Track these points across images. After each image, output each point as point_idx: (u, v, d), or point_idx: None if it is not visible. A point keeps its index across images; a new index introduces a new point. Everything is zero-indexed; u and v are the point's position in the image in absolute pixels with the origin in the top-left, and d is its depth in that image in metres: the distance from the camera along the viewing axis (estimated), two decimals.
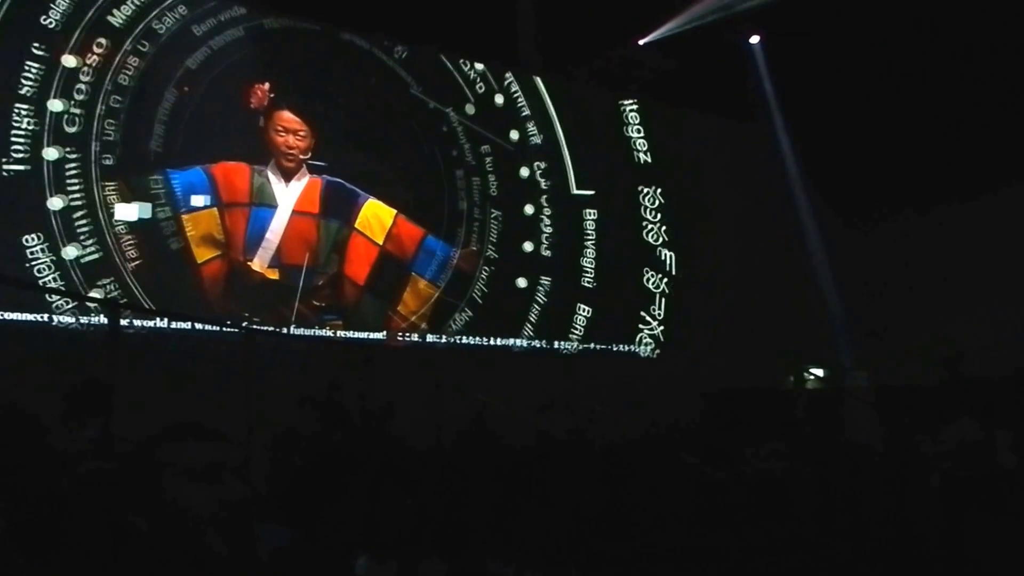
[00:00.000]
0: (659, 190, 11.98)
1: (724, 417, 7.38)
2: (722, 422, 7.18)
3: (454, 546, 4.07)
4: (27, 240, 7.83)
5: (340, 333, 9.51)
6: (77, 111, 8.22)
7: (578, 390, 7.95)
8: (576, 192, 11.40)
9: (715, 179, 11.96)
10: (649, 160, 11.96)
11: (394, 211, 10.02)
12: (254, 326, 8.45)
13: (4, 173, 7.84)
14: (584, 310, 11.10)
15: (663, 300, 11.73)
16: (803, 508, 4.72)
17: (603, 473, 5.62)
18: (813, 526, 4.54)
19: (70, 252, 8.02)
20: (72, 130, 8.19)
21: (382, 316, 9.86)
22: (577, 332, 11.05)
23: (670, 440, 6.52)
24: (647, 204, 11.91)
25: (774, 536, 4.63)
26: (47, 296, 7.90)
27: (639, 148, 11.94)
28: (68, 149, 8.15)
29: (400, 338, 9.90)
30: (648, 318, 11.59)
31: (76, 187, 8.15)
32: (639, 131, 11.91)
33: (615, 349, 11.27)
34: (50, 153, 8.05)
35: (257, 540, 2.11)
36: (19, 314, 7.67)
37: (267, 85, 9.25)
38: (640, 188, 11.89)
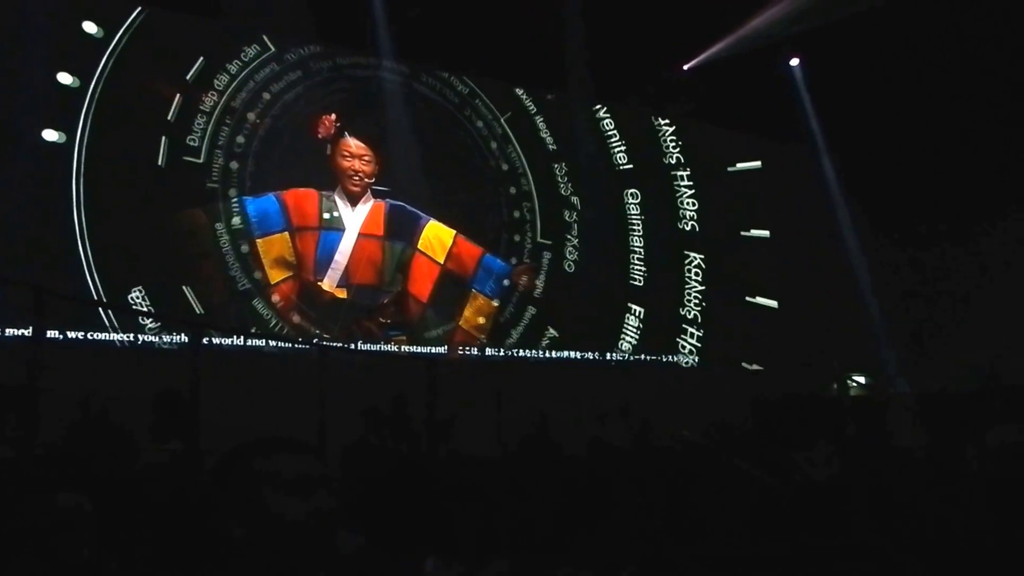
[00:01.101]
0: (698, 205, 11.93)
1: (773, 424, 7.26)
2: (772, 428, 7.08)
3: (518, 549, 4.06)
4: None
5: (405, 348, 9.56)
6: None
7: (631, 398, 7.88)
8: (626, 210, 11.37)
9: (758, 195, 11.87)
10: (689, 177, 11.89)
11: (454, 231, 10.09)
12: (325, 342, 8.54)
13: None
14: (634, 322, 11.03)
15: (709, 312, 11.63)
16: (856, 513, 4.62)
17: (660, 479, 5.57)
18: (866, 531, 4.44)
19: None
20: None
21: (444, 331, 9.90)
22: (629, 342, 10.97)
23: (722, 447, 6.43)
24: (690, 218, 11.80)
25: (828, 541, 4.54)
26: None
27: (682, 167, 11.88)
28: None
29: (461, 351, 9.92)
30: (693, 329, 11.48)
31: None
32: (682, 152, 11.86)
33: (664, 359, 11.16)
34: None
35: (337, 546, 2.13)
36: (107, 334, 7.86)
37: (333, 115, 9.40)
38: (684, 203, 11.80)
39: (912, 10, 9.76)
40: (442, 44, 9.79)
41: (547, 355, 10.40)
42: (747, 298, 11.77)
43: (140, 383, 5.23)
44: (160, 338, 8.08)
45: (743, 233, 11.97)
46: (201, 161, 8.68)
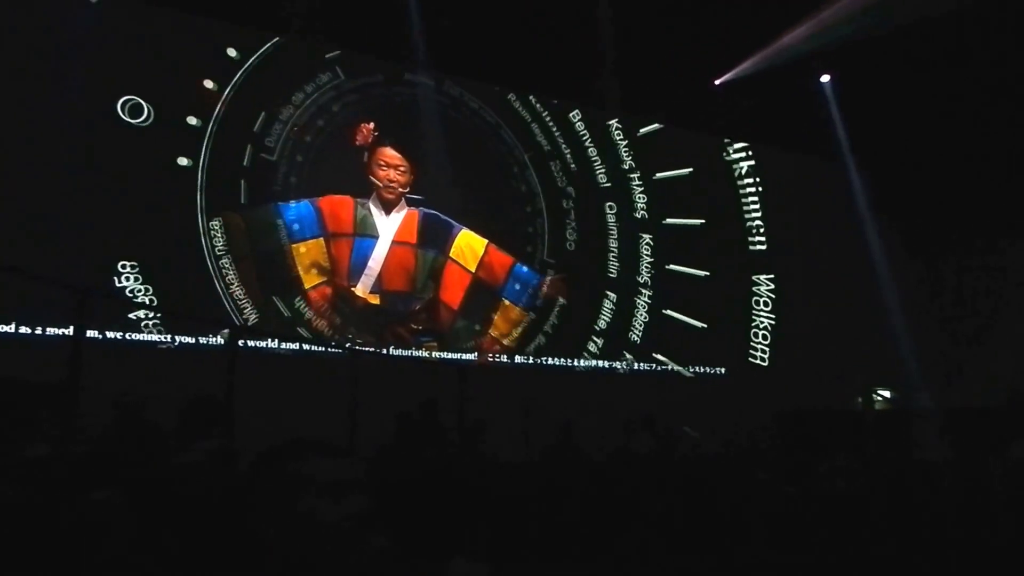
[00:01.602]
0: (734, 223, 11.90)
1: (797, 436, 7.20)
2: (795, 440, 7.01)
3: (541, 553, 4.05)
4: None
5: (435, 354, 9.58)
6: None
7: (658, 408, 7.83)
8: (667, 222, 11.37)
9: (787, 210, 11.80)
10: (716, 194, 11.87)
11: (485, 240, 10.11)
12: (358, 347, 8.58)
13: None
14: (666, 332, 11.00)
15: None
16: (877, 524, 4.56)
17: (684, 489, 5.53)
18: (888, 543, 4.39)
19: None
20: None
21: (474, 338, 9.91)
22: (663, 355, 10.95)
23: (746, 457, 6.38)
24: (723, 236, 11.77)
25: (847, 552, 4.49)
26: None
27: (710, 181, 11.85)
28: None
29: (490, 359, 9.92)
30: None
31: None
32: (708, 168, 11.84)
33: (693, 370, 11.09)
34: None
35: (366, 548, 2.13)
36: (145, 335, 7.95)
37: (372, 124, 9.47)
38: (713, 221, 11.76)
39: (941, 27, 9.66)
40: (478, 56, 9.87)
41: (575, 363, 10.37)
42: (770, 311, 11.70)
43: (176, 383, 5.28)
44: (197, 339, 8.15)
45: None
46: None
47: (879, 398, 10.13)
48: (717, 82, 11.65)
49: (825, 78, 12.07)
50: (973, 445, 6.31)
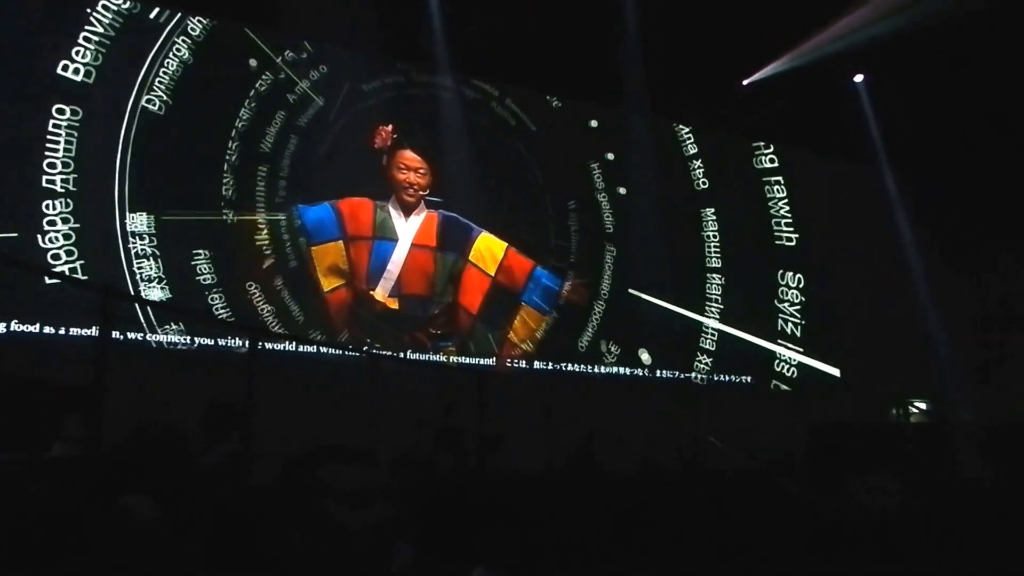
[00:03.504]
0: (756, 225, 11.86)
1: (830, 449, 7.15)
2: (828, 454, 6.97)
3: (565, 564, 4.05)
4: None
5: (454, 359, 9.61)
6: None
7: (685, 419, 7.82)
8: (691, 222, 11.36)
9: (819, 215, 11.75)
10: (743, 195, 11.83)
11: (505, 244, 10.12)
12: (376, 351, 8.61)
13: None
14: (689, 338, 10.98)
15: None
16: (915, 543, 4.53)
17: (708, 501, 5.51)
18: (925, 561, 4.35)
19: None
20: None
21: (493, 343, 9.92)
22: (699, 363, 10.93)
23: (777, 470, 6.36)
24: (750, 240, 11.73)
25: (882, 570, 4.46)
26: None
27: (741, 185, 11.82)
28: None
29: (509, 364, 9.93)
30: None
31: None
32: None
33: (721, 379, 11.06)
34: None
35: (392, 558, 2.15)
36: (166, 336, 8.02)
37: (391, 127, 9.52)
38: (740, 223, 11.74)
39: (979, 27, 9.60)
40: (499, 59, 9.89)
41: (594, 370, 10.36)
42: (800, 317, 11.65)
43: (195, 385, 5.32)
44: (216, 342, 8.21)
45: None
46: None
47: (915, 410, 10.05)
48: (745, 82, 11.62)
49: (859, 78, 12.00)
50: (1016, 463, 6.25)
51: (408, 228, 9.56)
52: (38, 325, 7.44)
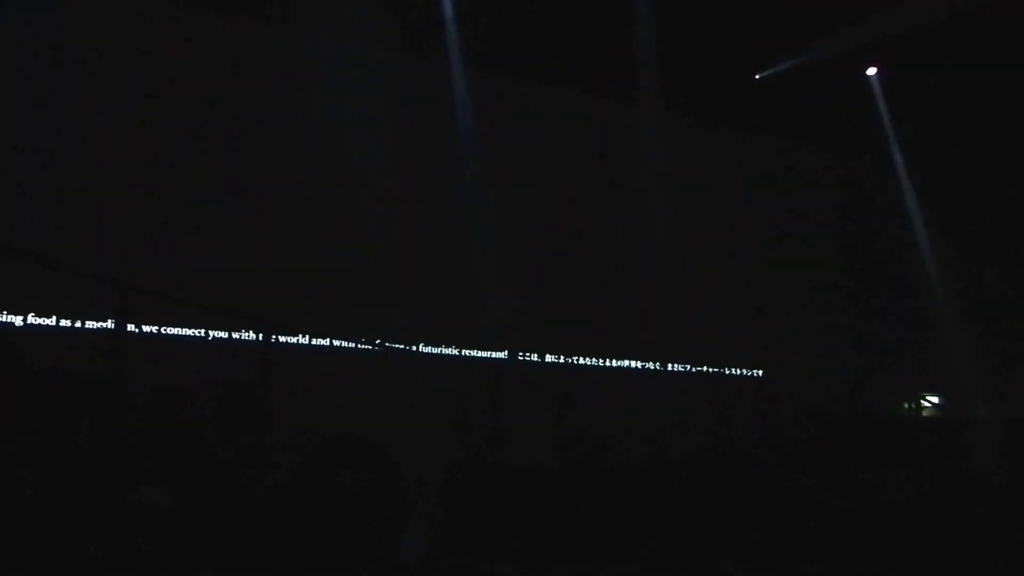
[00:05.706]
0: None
1: (842, 443, 7.13)
2: (841, 448, 6.94)
3: (580, 554, 4.05)
4: None
5: (466, 352, 9.59)
6: None
7: (696, 410, 7.81)
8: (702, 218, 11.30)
9: (833, 210, 11.69)
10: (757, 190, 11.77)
11: None
12: (387, 344, 8.61)
13: None
14: (703, 333, 10.93)
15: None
16: (930, 537, 4.51)
17: (720, 493, 5.50)
18: (939, 554, 4.34)
19: None
20: None
21: (506, 336, 9.89)
22: (698, 354, 10.90)
23: (788, 463, 6.34)
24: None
25: (897, 564, 4.45)
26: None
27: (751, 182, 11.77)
28: None
29: (521, 357, 9.91)
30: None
31: None
32: (753, 166, 11.73)
33: (729, 372, 11.03)
34: None
35: (402, 548, 2.16)
36: (180, 329, 8.06)
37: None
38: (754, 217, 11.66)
39: (993, 20, 9.52)
40: (513, 52, 9.85)
41: (607, 363, 10.34)
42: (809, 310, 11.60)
43: (209, 377, 5.33)
44: (229, 334, 8.22)
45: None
46: None
47: (927, 404, 10.00)
48: (757, 76, 11.54)
49: (872, 71, 11.90)
50: None
51: None
52: (55, 318, 7.51)
